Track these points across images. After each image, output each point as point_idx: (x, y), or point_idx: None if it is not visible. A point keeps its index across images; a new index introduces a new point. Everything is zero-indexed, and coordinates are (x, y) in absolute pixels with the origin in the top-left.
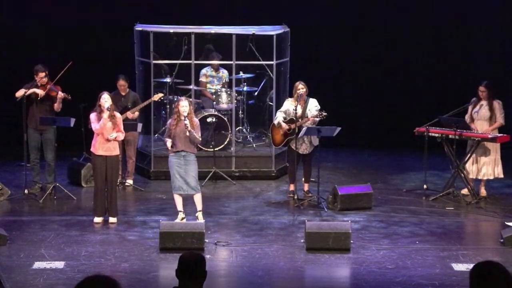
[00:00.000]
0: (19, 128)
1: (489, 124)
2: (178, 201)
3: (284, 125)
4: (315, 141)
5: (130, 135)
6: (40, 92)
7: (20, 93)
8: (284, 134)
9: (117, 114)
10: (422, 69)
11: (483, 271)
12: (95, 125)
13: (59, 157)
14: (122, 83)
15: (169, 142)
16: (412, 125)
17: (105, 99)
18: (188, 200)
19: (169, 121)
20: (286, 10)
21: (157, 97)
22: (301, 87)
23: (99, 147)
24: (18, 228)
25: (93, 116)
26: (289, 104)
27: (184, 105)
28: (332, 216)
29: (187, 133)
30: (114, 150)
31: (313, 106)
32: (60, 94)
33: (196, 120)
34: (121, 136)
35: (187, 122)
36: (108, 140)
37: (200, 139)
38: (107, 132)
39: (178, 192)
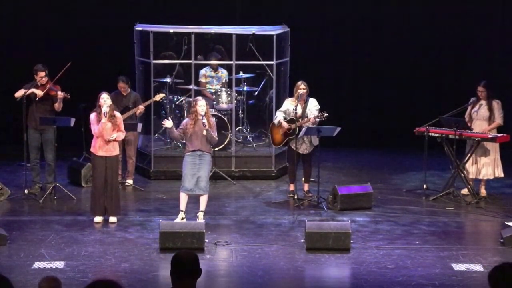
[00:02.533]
0: (19, 128)
1: (488, 124)
2: (183, 200)
3: (284, 124)
4: (315, 141)
5: (130, 135)
6: (39, 92)
7: (19, 93)
8: (284, 134)
9: (117, 114)
10: (422, 69)
11: (501, 273)
12: (94, 128)
13: (59, 157)
14: (121, 85)
15: (169, 123)
16: (412, 125)
17: (104, 99)
18: (189, 200)
19: (186, 120)
20: (286, 10)
21: (158, 97)
22: (302, 87)
23: (99, 148)
24: (18, 228)
25: (93, 116)
26: (289, 104)
27: (201, 105)
28: (332, 216)
29: (204, 132)
30: (114, 150)
31: (313, 106)
32: (60, 94)
33: (212, 120)
34: (121, 135)
35: (205, 121)
36: (108, 141)
37: (217, 138)
38: (107, 133)
39: (186, 192)
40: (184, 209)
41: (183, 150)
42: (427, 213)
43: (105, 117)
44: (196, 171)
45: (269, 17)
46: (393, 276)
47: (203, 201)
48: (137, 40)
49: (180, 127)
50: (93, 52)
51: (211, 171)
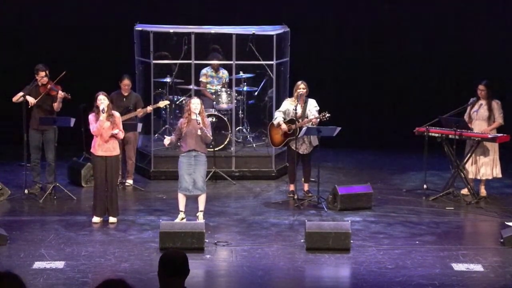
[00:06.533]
0: (19, 128)
1: (487, 124)
2: (182, 201)
3: (284, 126)
4: (315, 141)
5: (130, 135)
6: (31, 100)
7: (16, 97)
8: (284, 134)
9: (116, 114)
10: (422, 69)
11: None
12: (92, 127)
13: (59, 157)
14: (127, 83)
15: (167, 140)
16: (412, 125)
17: (101, 100)
18: (189, 200)
19: (180, 120)
20: (286, 10)
21: (162, 104)
22: (302, 87)
23: (98, 148)
24: (18, 228)
25: (91, 117)
26: (288, 104)
27: (195, 103)
28: (332, 216)
29: (199, 131)
30: (114, 150)
31: (313, 106)
32: (61, 94)
33: (207, 119)
34: (121, 134)
35: (199, 119)
36: (107, 141)
37: (211, 137)
38: (106, 132)
39: (184, 193)
40: (183, 210)
41: (179, 151)
42: (427, 213)
43: (103, 113)
44: (192, 171)
45: (269, 17)
46: (393, 276)
47: (202, 200)
48: (137, 40)
49: (176, 128)
50: (93, 52)
51: (210, 171)
